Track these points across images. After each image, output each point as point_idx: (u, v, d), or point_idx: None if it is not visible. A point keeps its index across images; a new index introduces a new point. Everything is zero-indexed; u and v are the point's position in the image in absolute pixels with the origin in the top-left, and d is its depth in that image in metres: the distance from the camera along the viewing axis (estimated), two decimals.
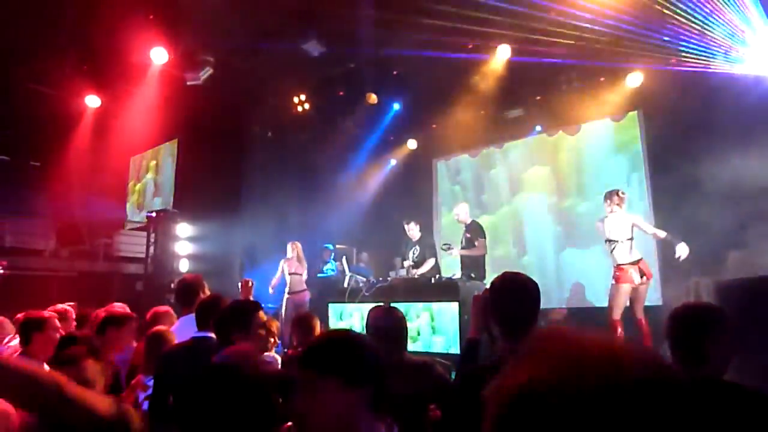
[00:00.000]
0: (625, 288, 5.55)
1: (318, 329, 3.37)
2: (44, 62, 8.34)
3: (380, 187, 10.52)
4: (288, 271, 8.02)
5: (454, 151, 10.60)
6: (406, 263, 7.29)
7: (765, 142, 5.98)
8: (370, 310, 2.48)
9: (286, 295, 7.96)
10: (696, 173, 6.47)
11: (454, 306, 6.06)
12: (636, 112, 8.51)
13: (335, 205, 10.08)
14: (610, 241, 5.73)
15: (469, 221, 7.18)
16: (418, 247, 7.32)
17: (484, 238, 7.00)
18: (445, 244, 7.11)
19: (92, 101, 9.83)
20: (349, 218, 10.12)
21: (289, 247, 8.14)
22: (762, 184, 5.86)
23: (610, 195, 5.85)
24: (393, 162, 11.10)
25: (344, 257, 8.01)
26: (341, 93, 9.59)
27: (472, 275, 6.73)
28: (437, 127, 10.10)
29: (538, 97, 9.00)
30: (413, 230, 7.35)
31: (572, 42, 7.16)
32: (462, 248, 7.05)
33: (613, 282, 5.66)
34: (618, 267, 5.62)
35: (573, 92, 8.42)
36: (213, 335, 2.94)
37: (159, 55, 8.15)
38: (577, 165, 9.09)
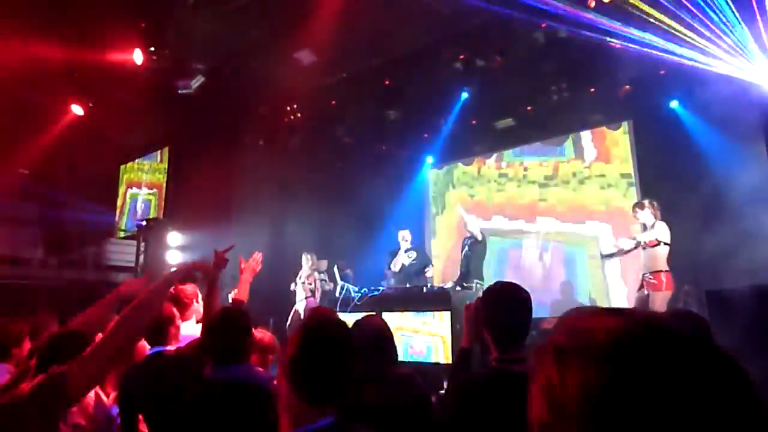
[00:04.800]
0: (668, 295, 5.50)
1: None
2: (33, 69, 8.30)
3: (373, 195, 10.50)
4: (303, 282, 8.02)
5: (446, 159, 10.64)
6: (395, 266, 7.32)
7: (756, 152, 6.05)
8: (355, 322, 2.45)
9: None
10: (687, 183, 6.53)
11: (446, 315, 6.06)
12: (627, 122, 8.59)
13: (326, 214, 10.07)
14: (665, 244, 5.57)
15: (481, 237, 6.99)
16: (414, 253, 7.32)
17: None
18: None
19: (78, 109, 9.58)
20: (340, 228, 10.11)
21: (304, 257, 8.10)
22: (751, 195, 5.93)
23: (650, 203, 5.76)
24: (387, 171, 11.08)
25: (335, 266, 7.99)
26: (333, 102, 9.61)
27: (476, 282, 6.70)
28: (429, 136, 10.13)
29: (529, 108, 9.06)
30: (407, 238, 7.43)
31: (563, 51, 7.24)
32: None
33: (662, 289, 5.47)
34: (665, 272, 5.51)
35: (563, 102, 8.48)
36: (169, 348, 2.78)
37: (141, 58, 7.91)
38: (567, 174, 9.15)
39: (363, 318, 2.46)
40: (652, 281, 5.51)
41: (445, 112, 9.40)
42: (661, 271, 5.50)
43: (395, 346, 2.44)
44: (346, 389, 1.39)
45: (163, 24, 7.47)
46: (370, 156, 10.63)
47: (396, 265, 7.43)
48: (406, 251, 7.41)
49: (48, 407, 1.55)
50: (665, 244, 5.55)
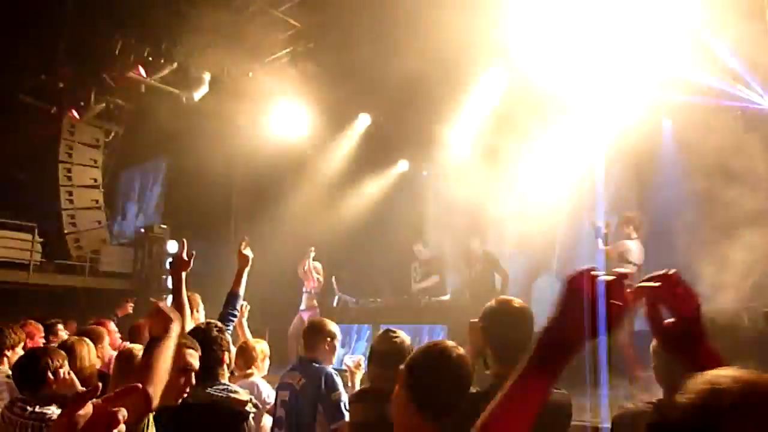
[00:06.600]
0: None
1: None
2: (38, 76, 8.36)
3: (372, 203, 10.44)
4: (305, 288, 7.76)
5: (443, 167, 10.58)
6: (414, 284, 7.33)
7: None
8: (376, 337, 2.41)
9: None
10: None
11: (443, 329, 6.07)
12: None
13: (326, 222, 10.05)
14: (636, 265, 5.34)
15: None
16: (438, 277, 7.29)
17: None
18: None
19: (74, 116, 9.50)
20: (339, 236, 10.06)
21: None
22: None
23: (631, 219, 5.64)
24: (385, 179, 10.99)
25: (333, 277, 7.99)
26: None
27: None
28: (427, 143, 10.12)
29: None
30: (422, 251, 7.38)
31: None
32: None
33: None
34: None
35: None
36: None
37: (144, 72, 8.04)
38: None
39: (380, 334, 2.38)
40: None
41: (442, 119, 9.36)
42: None
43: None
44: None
45: (166, 36, 7.54)
46: (370, 164, 10.57)
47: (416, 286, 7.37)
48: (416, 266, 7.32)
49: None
50: (633, 264, 5.34)
